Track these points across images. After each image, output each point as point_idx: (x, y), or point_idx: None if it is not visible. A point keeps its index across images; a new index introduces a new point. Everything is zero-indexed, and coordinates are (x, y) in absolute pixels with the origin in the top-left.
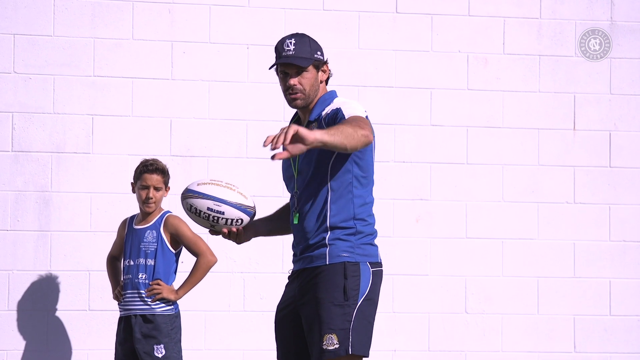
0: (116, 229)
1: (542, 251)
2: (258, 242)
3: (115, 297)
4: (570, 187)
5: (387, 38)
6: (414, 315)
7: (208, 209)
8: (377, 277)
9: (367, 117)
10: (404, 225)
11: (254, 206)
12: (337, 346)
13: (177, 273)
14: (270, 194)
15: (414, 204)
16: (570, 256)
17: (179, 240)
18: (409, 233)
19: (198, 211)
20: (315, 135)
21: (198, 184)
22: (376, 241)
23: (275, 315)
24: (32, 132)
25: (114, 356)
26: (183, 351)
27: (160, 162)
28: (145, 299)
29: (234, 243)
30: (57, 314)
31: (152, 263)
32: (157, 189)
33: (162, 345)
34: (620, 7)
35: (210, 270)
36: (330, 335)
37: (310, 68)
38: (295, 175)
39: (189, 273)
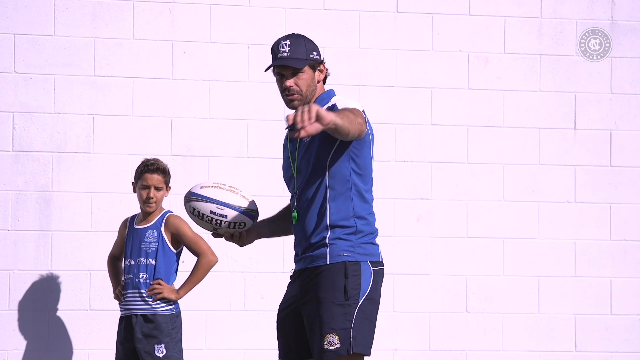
0: (117, 229)
1: (542, 250)
2: (259, 242)
3: (116, 297)
4: (571, 187)
5: (387, 37)
6: (414, 315)
7: (211, 212)
8: (378, 276)
9: (363, 111)
10: (404, 225)
11: (257, 209)
12: (338, 346)
13: (178, 273)
14: (271, 194)
15: (415, 204)
16: (571, 255)
17: (179, 240)
18: (409, 232)
19: (201, 214)
20: (331, 116)
21: (201, 187)
22: (377, 240)
23: (277, 315)
24: (33, 131)
25: (114, 356)
26: (184, 351)
27: (161, 161)
28: (146, 299)
29: (237, 246)
30: (58, 313)
31: (153, 263)
32: (158, 188)
33: (162, 345)
34: (621, 6)
35: (211, 270)
36: (331, 335)
37: (306, 69)
38: (295, 174)
39: (189, 273)
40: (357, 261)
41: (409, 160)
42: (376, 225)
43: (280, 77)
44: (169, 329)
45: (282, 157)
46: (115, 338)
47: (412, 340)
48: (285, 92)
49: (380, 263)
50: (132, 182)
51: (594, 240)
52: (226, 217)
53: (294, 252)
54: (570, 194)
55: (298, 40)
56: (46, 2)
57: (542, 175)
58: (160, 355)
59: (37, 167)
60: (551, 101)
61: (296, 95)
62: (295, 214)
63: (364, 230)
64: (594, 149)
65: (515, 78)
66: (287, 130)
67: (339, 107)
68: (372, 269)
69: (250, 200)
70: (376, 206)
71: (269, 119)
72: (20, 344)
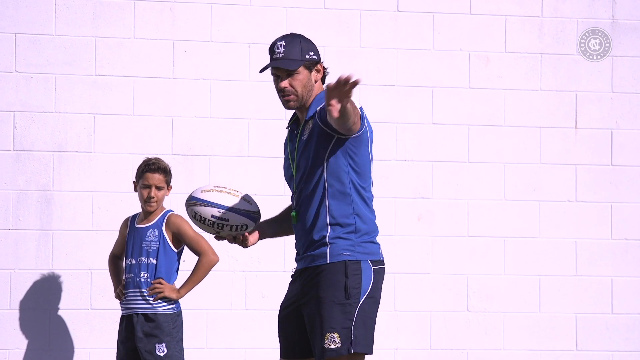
0: (118, 228)
1: (543, 249)
2: (260, 242)
3: (117, 296)
4: (572, 186)
5: (388, 36)
6: (415, 314)
7: (212, 216)
8: (379, 275)
9: (360, 108)
10: (405, 224)
11: (259, 210)
12: (339, 345)
13: (179, 272)
14: (272, 193)
15: (416, 203)
16: (572, 254)
17: (181, 239)
18: (410, 231)
19: (202, 218)
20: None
21: (202, 191)
22: (377, 239)
23: (279, 314)
24: (34, 131)
25: (115, 355)
26: (185, 350)
27: (163, 161)
28: (147, 298)
29: (240, 247)
30: (59, 312)
31: (154, 262)
32: (159, 188)
33: (163, 344)
34: (622, 5)
35: (212, 269)
36: (332, 334)
37: (302, 69)
38: (294, 173)
39: (190, 272)
40: (358, 260)
41: (410, 159)
42: (377, 224)
43: (277, 78)
44: (170, 328)
45: (282, 156)
46: (116, 337)
47: (413, 339)
48: (281, 93)
49: (381, 262)
50: (133, 182)
51: (595, 239)
52: (228, 220)
53: (295, 251)
54: (571, 193)
55: (294, 41)
56: (47, 1)
57: (543, 175)
58: (161, 354)
59: (38, 167)
60: (552, 100)
61: (292, 96)
62: (294, 213)
63: (363, 228)
64: (595, 148)
65: (516, 77)
66: (287, 129)
67: None
68: (372, 267)
69: (252, 202)
70: (377, 205)
71: (270, 118)
72: (22, 343)
